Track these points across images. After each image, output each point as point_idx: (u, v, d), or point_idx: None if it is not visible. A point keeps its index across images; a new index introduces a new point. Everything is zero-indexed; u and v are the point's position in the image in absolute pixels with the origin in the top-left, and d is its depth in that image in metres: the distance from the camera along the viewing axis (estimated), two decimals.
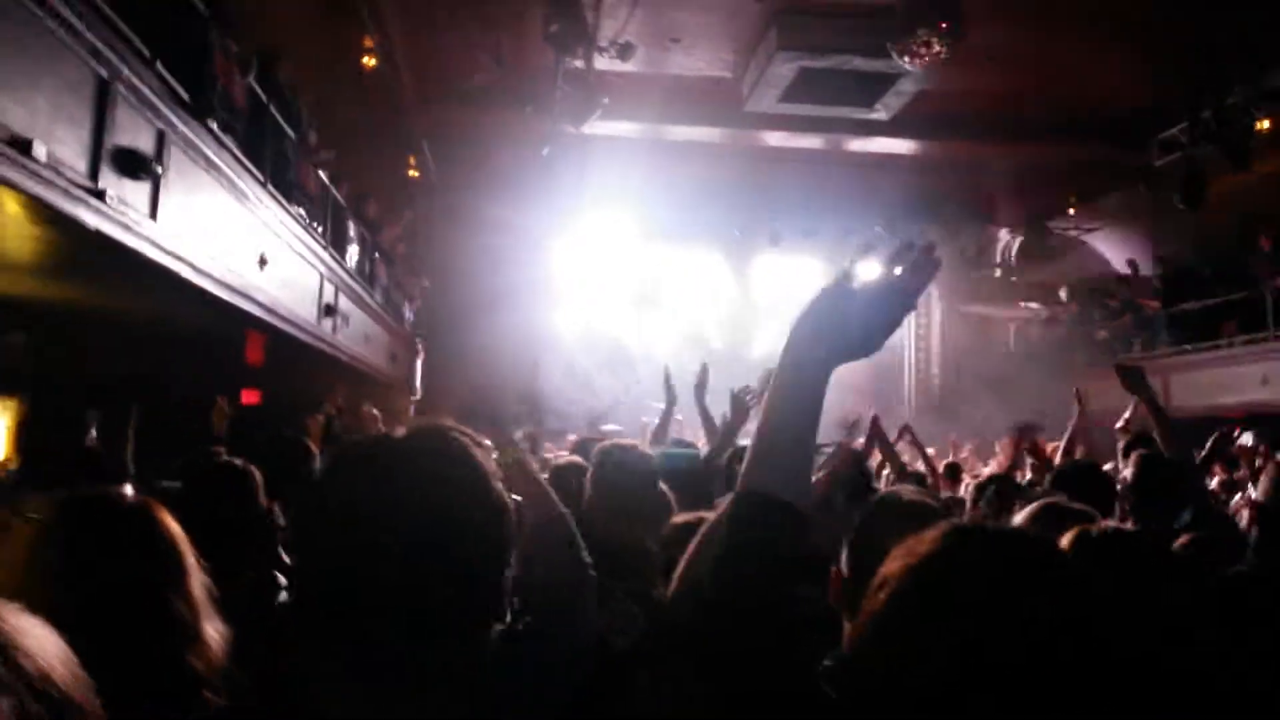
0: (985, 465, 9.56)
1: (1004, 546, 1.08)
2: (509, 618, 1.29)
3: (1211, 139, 11.06)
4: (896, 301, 1.30)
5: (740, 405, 4.13)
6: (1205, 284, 14.08)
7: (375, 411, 7.62)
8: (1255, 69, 10.72)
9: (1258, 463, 6.07)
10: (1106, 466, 6.21)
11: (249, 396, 11.03)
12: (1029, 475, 5.09)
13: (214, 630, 1.63)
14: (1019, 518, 2.43)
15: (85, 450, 2.85)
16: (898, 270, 1.30)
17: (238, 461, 2.92)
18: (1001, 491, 4.01)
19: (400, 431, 1.27)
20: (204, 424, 9.44)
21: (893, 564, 1.08)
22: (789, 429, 1.25)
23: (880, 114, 13.03)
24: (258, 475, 2.90)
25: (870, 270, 1.31)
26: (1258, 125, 11.11)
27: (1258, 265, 12.80)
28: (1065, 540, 2.01)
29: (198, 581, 1.64)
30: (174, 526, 1.67)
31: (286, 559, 2.85)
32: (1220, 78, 10.95)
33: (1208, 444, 4.80)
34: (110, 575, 1.49)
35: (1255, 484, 5.31)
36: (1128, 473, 3.30)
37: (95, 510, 1.57)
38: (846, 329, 1.29)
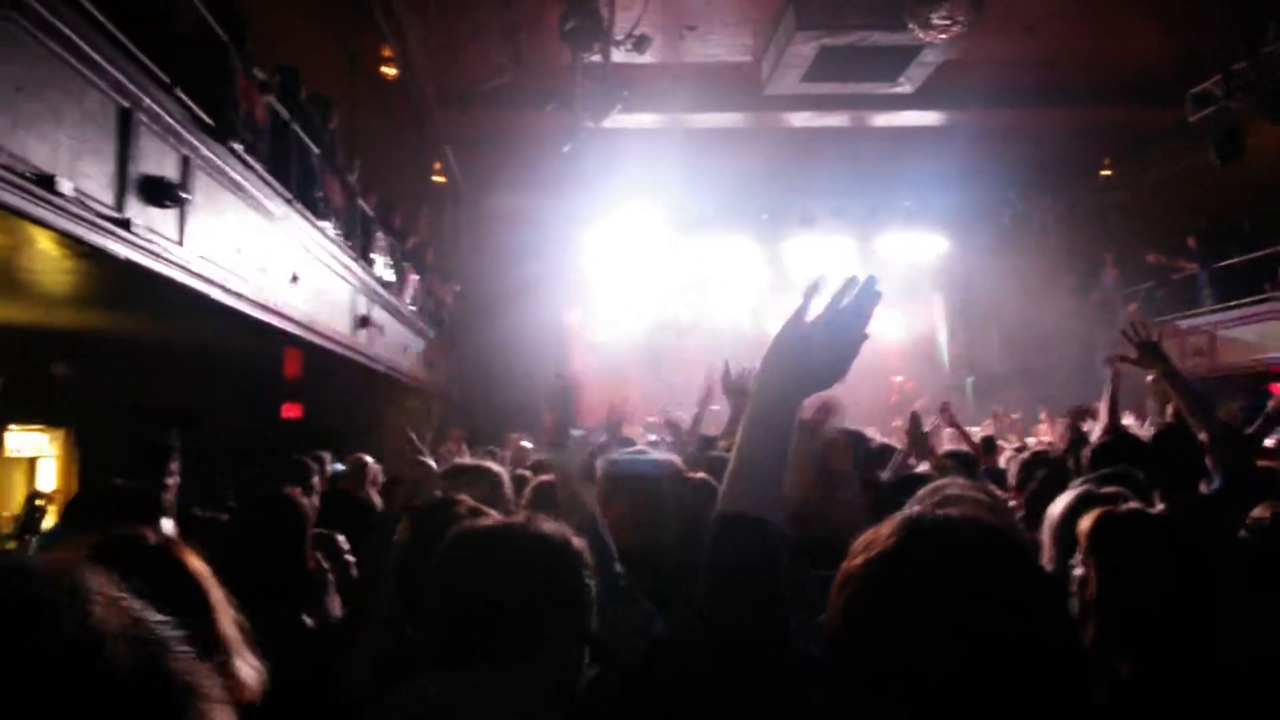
0: (1028, 437, 9.43)
1: (958, 538, 1.09)
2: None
3: (1247, 90, 10.76)
4: (849, 333, 1.37)
5: (738, 390, 4.07)
6: (1245, 238, 13.77)
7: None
8: None
9: None
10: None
11: (290, 410, 11.17)
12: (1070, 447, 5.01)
13: (246, 665, 1.63)
14: (1056, 508, 2.40)
15: (119, 487, 2.87)
16: (845, 302, 1.38)
17: (287, 492, 2.91)
18: (1049, 475, 3.96)
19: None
20: (248, 443, 9.59)
21: (853, 559, 1.11)
22: (762, 457, 1.34)
23: (905, 87, 12.86)
24: (307, 507, 2.89)
25: (819, 303, 1.38)
26: None
27: None
28: (1084, 523, 1.98)
29: (226, 618, 1.64)
30: (197, 565, 1.68)
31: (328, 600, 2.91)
32: (1253, 27, 10.65)
33: (1270, 406, 4.67)
34: None
35: None
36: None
37: (115, 554, 1.58)
38: (809, 364, 1.38)
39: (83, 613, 0.55)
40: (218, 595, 1.65)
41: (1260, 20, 10.52)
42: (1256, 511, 2.92)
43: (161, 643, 0.58)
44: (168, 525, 2.73)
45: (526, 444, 9.51)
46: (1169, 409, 5.50)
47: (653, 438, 7.99)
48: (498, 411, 14.52)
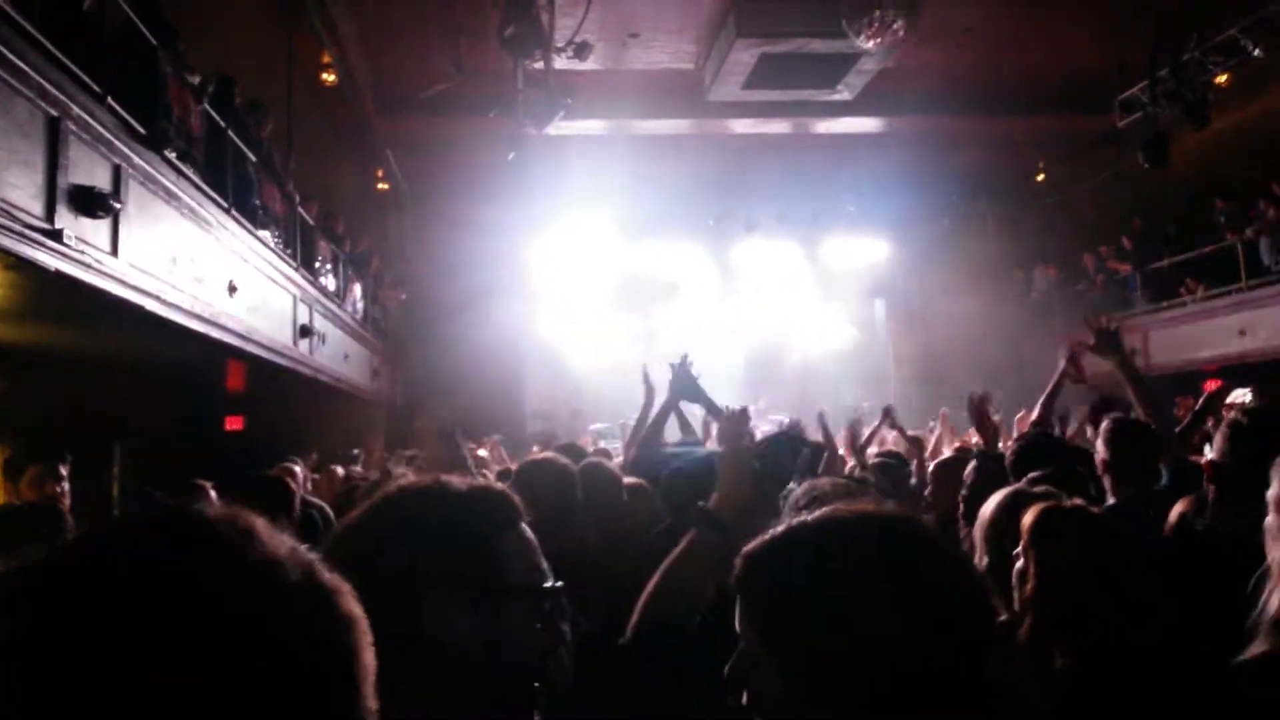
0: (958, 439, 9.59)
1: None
2: None
3: (1170, 97, 11.11)
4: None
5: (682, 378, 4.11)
6: (1170, 242, 14.20)
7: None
8: (1208, 25, 10.77)
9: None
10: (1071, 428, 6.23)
11: (233, 423, 11.02)
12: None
13: None
14: (987, 508, 2.44)
15: (38, 504, 2.84)
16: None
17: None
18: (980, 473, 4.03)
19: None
20: (189, 456, 9.43)
21: (759, 540, 1.21)
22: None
23: (844, 94, 13.07)
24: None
25: None
26: (1217, 80, 11.16)
27: (1219, 221, 12.94)
28: (1027, 518, 2.04)
29: None
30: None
31: None
32: (1175, 35, 11.00)
33: (1199, 401, 4.80)
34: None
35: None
36: (1099, 444, 3.30)
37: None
38: None
39: (261, 543, 0.71)
40: None
41: (1182, 30, 10.86)
42: (1177, 508, 3.02)
43: (311, 560, 0.74)
44: None
45: (484, 453, 9.50)
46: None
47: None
48: (439, 425, 14.42)
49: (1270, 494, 1.80)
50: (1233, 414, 2.60)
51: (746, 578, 1.18)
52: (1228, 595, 1.92)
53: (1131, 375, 3.86)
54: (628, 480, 3.13)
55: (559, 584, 1.26)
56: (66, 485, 4.81)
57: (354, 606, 0.74)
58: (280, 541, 0.73)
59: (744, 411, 2.23)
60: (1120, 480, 3.22)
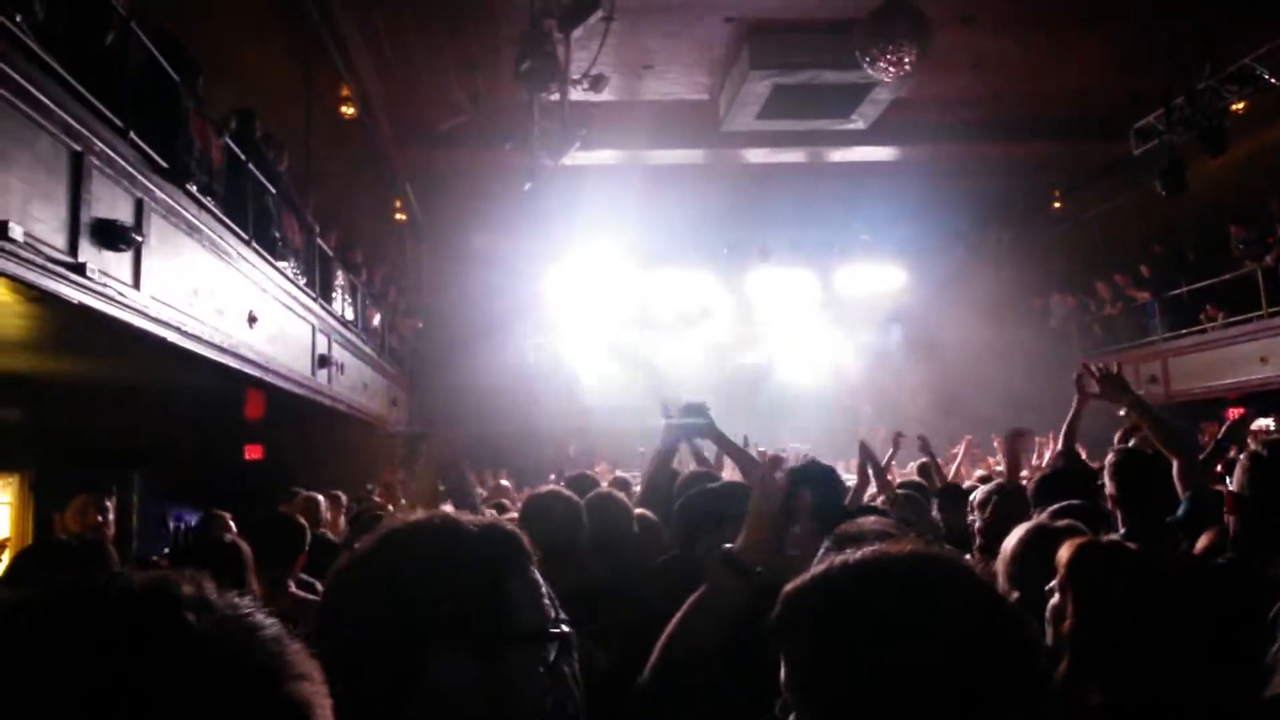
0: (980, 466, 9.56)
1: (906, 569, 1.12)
2: None
3: (1186, 125, 11.10)
4: None
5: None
6: (1189, 269, 14.13)
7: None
8: (1224, 52, 10.77)
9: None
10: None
11: (252, 452, 11.09)
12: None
13: None
14: (1010, 541, 2.43)
15: (85, 539, 2.88)
16: None
17: (227, 538, 2.92)
18: (1000, 505, 4.02)
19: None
20: (210, 484, 9.48)
21: (798, 581, 1.14)
22: None
23: (858, 124, 13.10)
24: (247, 551, 2.90)
25: None
26: (1233, 107, 11.14)
27: (1238, 248, 12.89)
28: (1063, 554, 2.02)
29: None
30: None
31: None
32: (1190, 63, 11.01)
33: (1222, 429, 4.76)
34: None
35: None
36: (1105, 478, 3.28)
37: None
38: None
39: (212, 613, 0.67)
40: None
41: (1196, 58, 10.86)
42: (1202, 541, 2.99)
43: (253, 636, 0.68)
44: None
45: (505, 482, 9.50)
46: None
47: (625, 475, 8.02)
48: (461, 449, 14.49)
49: None
50: (1253, 446, 2.58)
51: (785, 620, 1.12)
52: (1253, 630, 1.91)
53: (1144, 413, 3.82)
54: (638, 511, 3.12)
55: (567, 629, 1.21)
56: (112, 515, 4.85)
57: (300, 690, 0.68)
58: (217, 619, 0.67)
59: (776, 460, 2.22)
60: (1128, 512, 3.20)
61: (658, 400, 4.44)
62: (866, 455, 4.82)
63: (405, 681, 1.09)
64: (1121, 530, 3.18)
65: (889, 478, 5.57)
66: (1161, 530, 3.10)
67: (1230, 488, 2.62)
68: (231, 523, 5.78)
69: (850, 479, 6.30)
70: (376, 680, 1.09)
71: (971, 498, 4.40)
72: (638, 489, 4.64)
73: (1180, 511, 3.34)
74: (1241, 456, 2.58)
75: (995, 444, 10.32)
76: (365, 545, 1.22)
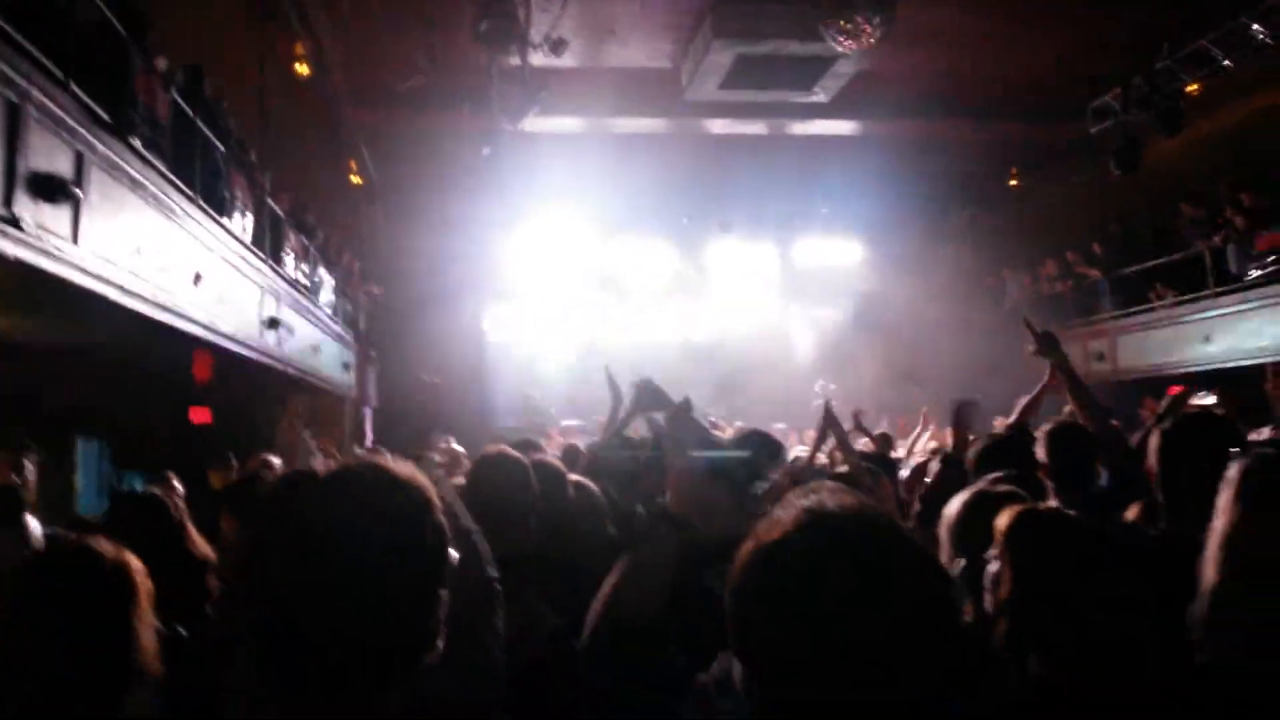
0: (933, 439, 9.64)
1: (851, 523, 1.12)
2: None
3: (1143, 104, 11.21)
4: None
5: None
6: (1144, 249, 14.33)
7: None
8: (1184, 33, 10.88)
9: None
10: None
11: (199, 415, 10.90)
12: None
13: None
14: (952, 507, 2.44)
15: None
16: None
17: (157, 491, 2.86)
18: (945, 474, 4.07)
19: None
20: (153, 446, 9.31)
21: (746, 545, 1.13)
22: None
23: (820, 96, 13.08)
24: (180, 506, 2.84)
25: None
26: (1187, 89, 11.27)
27: (1187, 228, 13.09)
28: (1001, 520, 2.02)
29: None
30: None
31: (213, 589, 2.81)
32: (1148, 44, 11.10)
33: (1163, 404, 4.82)
34: None
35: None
36: (1038, 449, 3.33)
37: None
38: None
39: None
40: None
41: (1155, 38, 10.96)
42: (1129, 513, 3.04)
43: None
44: (32, 523, 2.67)
45: (458, 447, 9.43)
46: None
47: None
48: (417, 414, 14.43)
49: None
50: (1162, 424, 2.63)
51: (740, 585, 1.13)
52: (1191, 599, 1.93)
53: (1069, 377, 3.89)
54: (573, 477, 3.13)
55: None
56: (31, 475, 4.77)
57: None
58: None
59: (686, 401, 2.22)
60: (1059, 483, 3.25)
61: (605, 375, 4.46)
62: (829, 419, 4.83)
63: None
64: (1052, 502, 3.23)
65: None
66: (1090, 501, 3.14)
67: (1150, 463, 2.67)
68: (177, 483, 5.71)
69: (802, 451, 6.34)
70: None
71: (908, 465, 4.45)
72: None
73: (1103, 483, 3.39)
74: (1154, 433, 2.64)
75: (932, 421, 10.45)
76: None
